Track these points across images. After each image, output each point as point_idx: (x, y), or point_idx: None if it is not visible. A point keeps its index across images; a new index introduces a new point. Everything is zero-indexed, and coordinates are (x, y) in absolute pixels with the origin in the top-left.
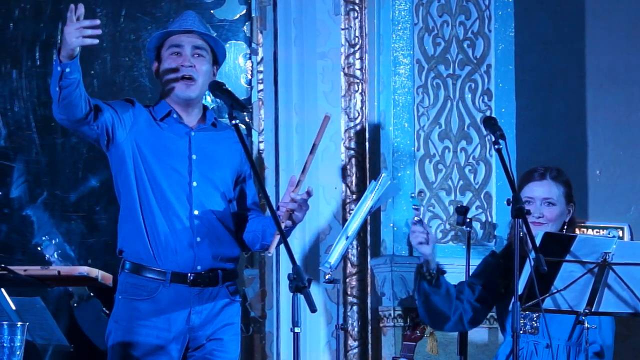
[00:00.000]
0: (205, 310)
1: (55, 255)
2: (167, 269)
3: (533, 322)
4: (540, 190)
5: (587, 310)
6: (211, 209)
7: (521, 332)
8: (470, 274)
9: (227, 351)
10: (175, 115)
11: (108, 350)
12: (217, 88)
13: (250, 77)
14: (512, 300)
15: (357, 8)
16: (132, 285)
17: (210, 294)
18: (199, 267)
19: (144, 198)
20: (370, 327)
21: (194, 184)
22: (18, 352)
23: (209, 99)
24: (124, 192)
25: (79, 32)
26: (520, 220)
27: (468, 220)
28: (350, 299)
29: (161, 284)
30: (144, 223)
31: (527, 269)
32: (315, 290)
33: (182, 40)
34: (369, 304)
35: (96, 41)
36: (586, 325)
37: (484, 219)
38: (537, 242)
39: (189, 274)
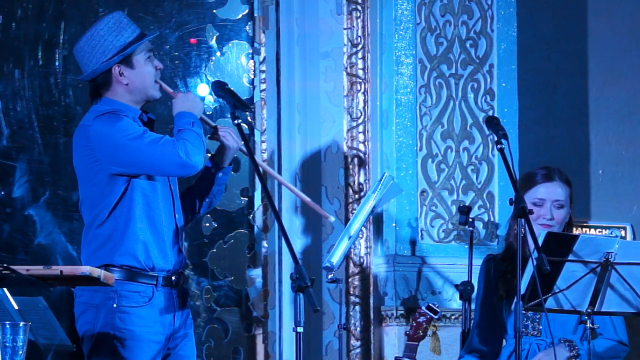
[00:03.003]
0: (182, 311)
1: None
2: (159, 273)
3: (536, 324)
4: (551, 192)
5: (589, 310)
6: (182, 211)
7: (524, 334)
8: (476, 306)
9: (193, 344)
10: (145, 118)
11: (97, 355)
12: (219, 88)
13: (252, 77)
14: (515, 300)
15: (359, 8)
16: (129, 292)
17: (182, 293)
18: (180, 270)
19: (138, 204)
20: (372, 327)
21: (172, 188)
22: (20, 352)
23: (210, 99)
24: (110, 200)
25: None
26: (523, 220)
27: (470, 219)
28: (352, 298)
29: (154, 288)
30: (140, 228)
31: (529, 269)
32: (317, 290)
33: (150, 44)
34: (371, 304)
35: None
36: (588, 325)
37: (486, 219)
38: (539, 241)
39: (173, 276)
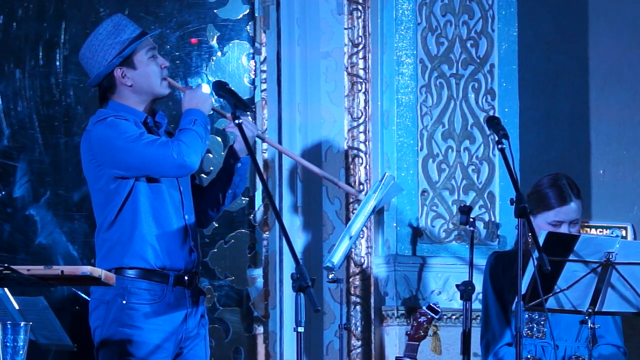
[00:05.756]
0: (195, 310)
1: None
2: (170, 272)
3: (540, 326)
4: (568, 214)
5: (590, 310)
6: (193, 212)
7: (528, 336)
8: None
9: (205, 344)
10: (150, 122)
11: (105, 351)
12: (220, 88)
13: (253, 77)
14: (515, 300)
15: (360, 7)
16: (139, 290)
17: (196, 293)
18: (193, 269)
19: (144, 206)
20: (373, 327)
21: (181, 188)
22: (21, 352)
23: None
24: (116, 203)
25: None
26: (524, 219)
27: (471, 219)
28: (353, 298)
29: (165, 287)
30: (147, 229)
31: (530, 269)
32: (318, 290)
33: (152, 43)
34: (372, 304)
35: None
36: (590, 325)
37: (487, 219)
38: (540, 241)
39: (185, 276)
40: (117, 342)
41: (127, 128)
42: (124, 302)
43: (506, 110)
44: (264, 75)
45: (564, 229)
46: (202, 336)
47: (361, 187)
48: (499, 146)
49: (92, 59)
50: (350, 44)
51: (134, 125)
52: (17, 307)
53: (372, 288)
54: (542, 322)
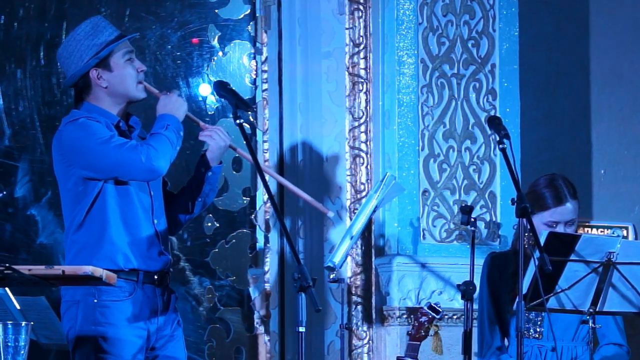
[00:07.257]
0: (167, 310)
1: None
2: (140, 272)
3: (537, 327)
4: (564, 215)
5: (591, 310)
6: (164, 217)
7: (525, 336)
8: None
9: (181, 345)
10: (122, 125)
11: (80, 351)
12: (221, 87)
13: (254, 77)
14: (517, 300)
15: (361, 7)
16: (110, 288)
17: (168, 293)
18: (164, 270)
19: (112, 209)
20: (374, 327)
21: (152, 192)
22: (22, 352)
23: (212, 99)
24: (84, 204)
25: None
26: (525, 219)
27: (472, 219)
28: (354, 298)
29: (135, 285)
30: (116, 232)
31: (531, 269)
32: (319, 290)
33: (130, 46)
34: (373, 304)
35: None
36: (591, 325)
37: (488, 219)
38: (541, 241)
39: (155, 275)
40: (91, 339)
41: (98, 130)
42: (95, 300)
43: (507, 110)
44: (265, 75)
45: (559, 230)
46: (178, 337)
47: (362, 187)
48: (500, 146)
49: (69, 59)
50: (352, 43)
51: (105, 127)
52: (18, 306)
53: (374, 288)
54: (539, 322)
